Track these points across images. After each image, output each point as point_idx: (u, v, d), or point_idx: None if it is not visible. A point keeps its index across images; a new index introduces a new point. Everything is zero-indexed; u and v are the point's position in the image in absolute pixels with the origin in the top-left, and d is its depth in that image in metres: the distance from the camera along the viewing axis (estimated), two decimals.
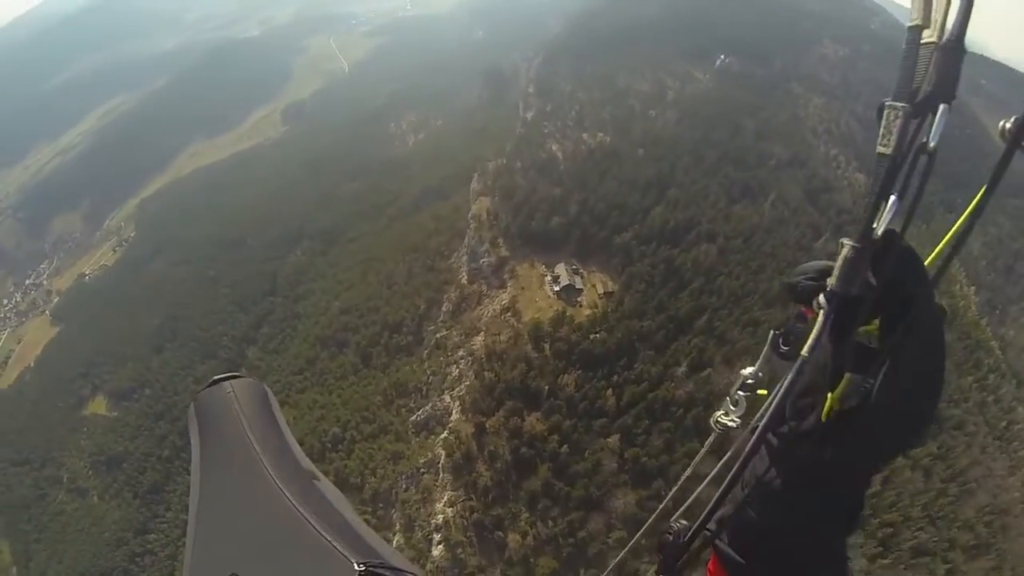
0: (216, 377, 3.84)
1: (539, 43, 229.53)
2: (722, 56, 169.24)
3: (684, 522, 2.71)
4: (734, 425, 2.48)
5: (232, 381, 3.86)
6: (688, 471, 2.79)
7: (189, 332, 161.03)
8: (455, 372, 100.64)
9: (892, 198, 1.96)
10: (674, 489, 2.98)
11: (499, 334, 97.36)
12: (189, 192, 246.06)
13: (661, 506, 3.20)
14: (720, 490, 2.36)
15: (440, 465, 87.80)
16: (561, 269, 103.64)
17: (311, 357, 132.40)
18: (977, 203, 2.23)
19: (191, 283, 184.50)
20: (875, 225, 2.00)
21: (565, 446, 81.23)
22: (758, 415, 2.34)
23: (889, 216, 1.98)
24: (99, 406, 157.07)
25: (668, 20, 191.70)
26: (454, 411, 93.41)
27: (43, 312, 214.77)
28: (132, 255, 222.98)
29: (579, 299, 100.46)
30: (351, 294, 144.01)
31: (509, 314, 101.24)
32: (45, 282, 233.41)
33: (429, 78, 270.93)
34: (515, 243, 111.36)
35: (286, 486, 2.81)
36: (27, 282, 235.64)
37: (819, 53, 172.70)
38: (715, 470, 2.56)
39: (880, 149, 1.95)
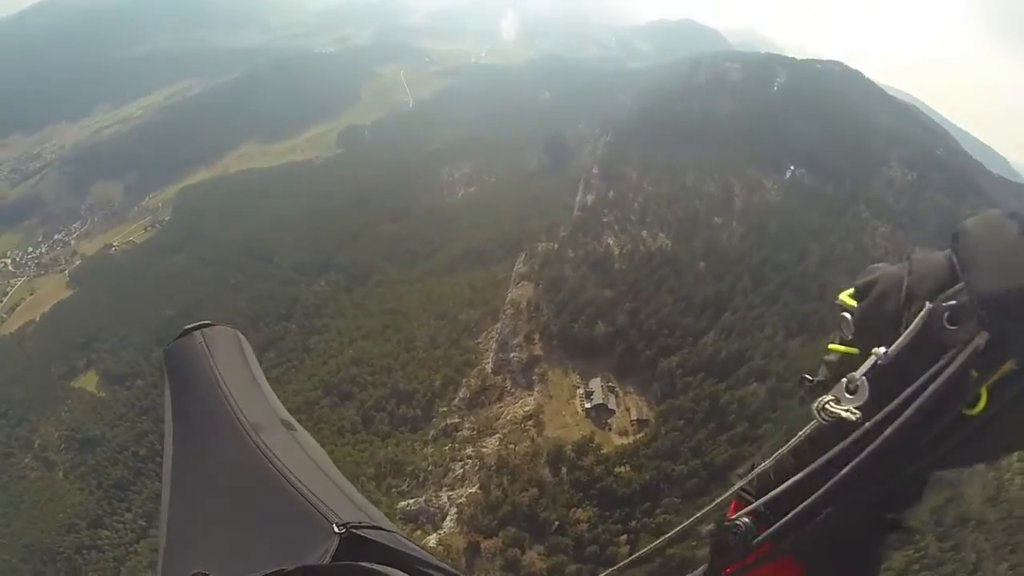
0: (187, 327, 3.31)
1: (606, 118, 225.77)
2: (792, 167, 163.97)
3: (747, 520, 2.20)
4: (853, 418, 1.91)
5: (204, 330, 3.59)
6: (769, 462, 2.25)
7: None
8: (459, 471, 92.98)
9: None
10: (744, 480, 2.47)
11: (516, 445, 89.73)
12: (231, 191, 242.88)
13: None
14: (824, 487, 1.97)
15: None
16: (596, 384, 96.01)
17: (311, 399, 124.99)
18: None
19: (211, 285, 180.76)
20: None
21: None
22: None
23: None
24: (89, 382, 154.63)
25: (741, 119, 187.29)
26: (449, 516, 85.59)
27: (62, 271, 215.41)
28: (161, 239, 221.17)
29: (609, 421, 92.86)
30: (366, 344, 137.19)
31: (531, 423, 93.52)
32: (72, 242, 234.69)
33: (489, 130, 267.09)
34: (551, 343, 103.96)
35: (261, 437, 2.87)
36: (55, 236, 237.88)
37: (887, 176, 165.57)
38: (814, 465, 2.03)
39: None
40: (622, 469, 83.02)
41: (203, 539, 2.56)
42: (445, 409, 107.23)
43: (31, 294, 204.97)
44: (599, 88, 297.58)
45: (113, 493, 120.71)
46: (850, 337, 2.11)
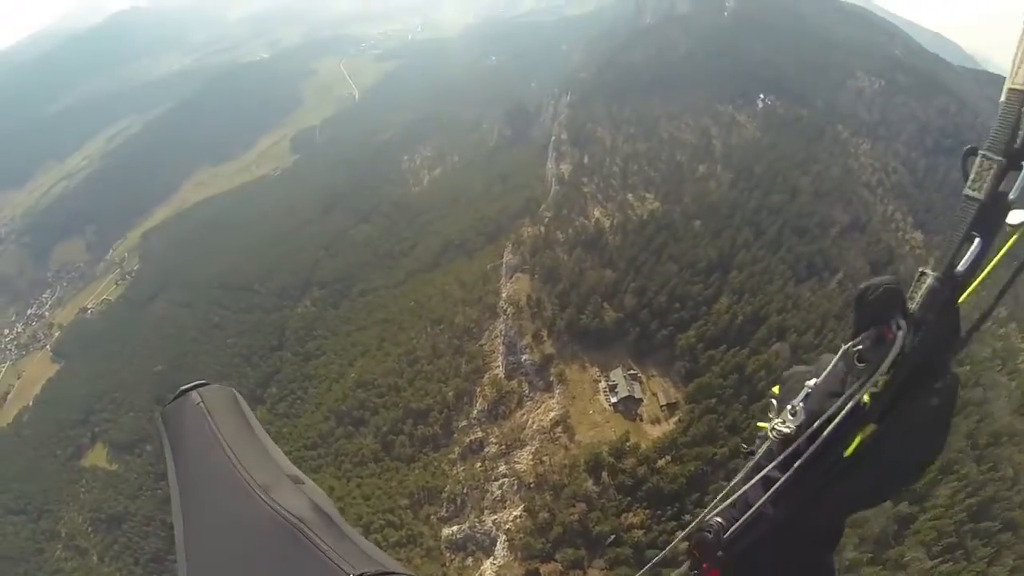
0: (182, 388, 3.41)
1: (559, 75, 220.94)
2: (762, 96, 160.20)
3: (720, 520, 2.87)
4: (789, 431, 2.65)
5: (199, 390, 3.49)
6: (740, 475, 2.83)
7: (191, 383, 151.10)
8: (496, 492, 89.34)
9: (976, 240, 2.16)
10: (719, 496, 2.99)
11: (550, 457, 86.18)
12: (193, 226, 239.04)
13: (704, 512, 3.02)
14: (772, 489, 2.65)
15: None
16: (618, 375, 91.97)
17: (325, 432, 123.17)
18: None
19: (195, 329, 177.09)
20: (957, 264, 2.21)
21: None
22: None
23: (971, 257, 2.18)
24: (99, 456, 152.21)
25: (700, 55, 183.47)
26: (500, 545, 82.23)
27: (44, 347, 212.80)
28: (135, 292, 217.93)
29: (639, 411, 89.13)
30: (367, 363, 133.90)
31: (560, 430, 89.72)
32: (47, 314, 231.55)
33: (442, 107, 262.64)
34: (561, 339, 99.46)
35: (271, 495, 3.03)
36: (28, 312, 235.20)
37: (855, 87, 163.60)
38: (764, 472, 2.73)
39: (970, 192, 2.17)
40: (663, 463, 79.68)
41: None
42: (465, 423, 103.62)
43: (18, 378, 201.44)
44: (544, 43, 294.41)
45: (151, 567, 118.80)
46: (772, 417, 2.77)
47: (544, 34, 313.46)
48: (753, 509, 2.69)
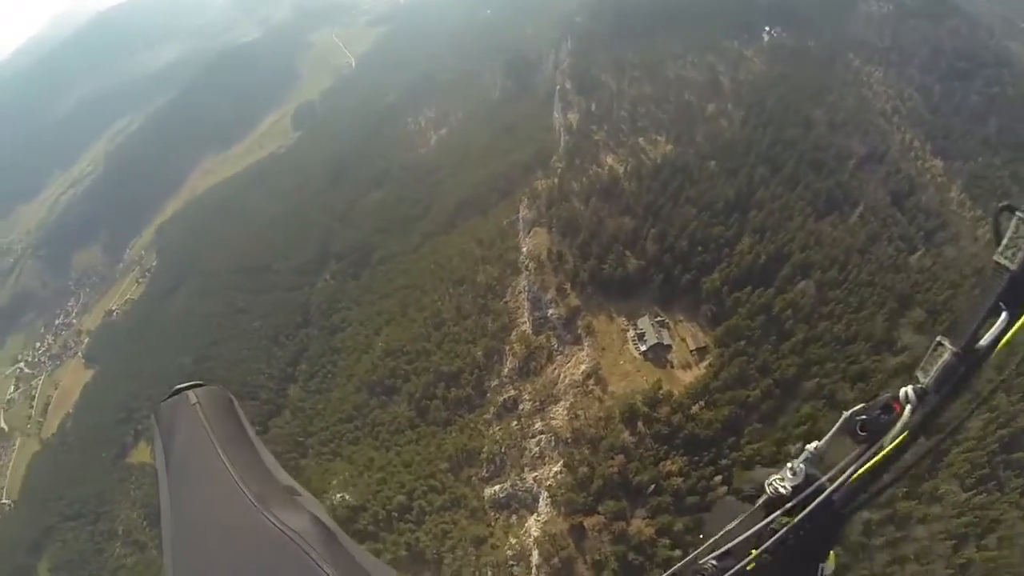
0: (178, 386, 3.63)
1: (557, 21, 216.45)
2: (767, 28, 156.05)
3: (715, 563, 2.95)
4: (785, 492, 2.79)
5: (196, 390, 3.62)
6: (732, 524, 2.95)
7: (223, 371, 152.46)
8: (534, 448, 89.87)
9: (1004, 314, 2.00)
10: (713, 539, 3.10)
11: (584, 411, 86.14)
12: (206, 213, 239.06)
13: (697, 551, 3.15)
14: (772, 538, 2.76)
15: (535, 566, 77.64)
16: (645, 323, 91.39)
17: (359, 403, 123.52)
18: None
19: (219, 316, 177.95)
20: (980, 338, 2.08)
21: (678, 550, 69.75)
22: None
23: (996, 331, 2.02)
24: (143, 453, 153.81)
25: None
26: (543, 501, 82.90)
27: (75, 354, 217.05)
28: (156, 287, 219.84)
29: (669, 357, 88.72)
30: (393, 331, 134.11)
31: (592, 382, 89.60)
32: (74, 322, 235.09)
33: (441, 65, 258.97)
34: (586, 290, 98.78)
35: (265, 504, 3.07)
36: (56, 322, 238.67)
37: (864, 13, 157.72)
38: (759, 525, 2.82)
39: (1001, 260, 1.97)
40: (697, 408, 79.46)
41: None
42: (496, 382, 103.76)
43: (55, 388, 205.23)
44: None
45: None
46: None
47: None
48: (745, 562, 2.80)
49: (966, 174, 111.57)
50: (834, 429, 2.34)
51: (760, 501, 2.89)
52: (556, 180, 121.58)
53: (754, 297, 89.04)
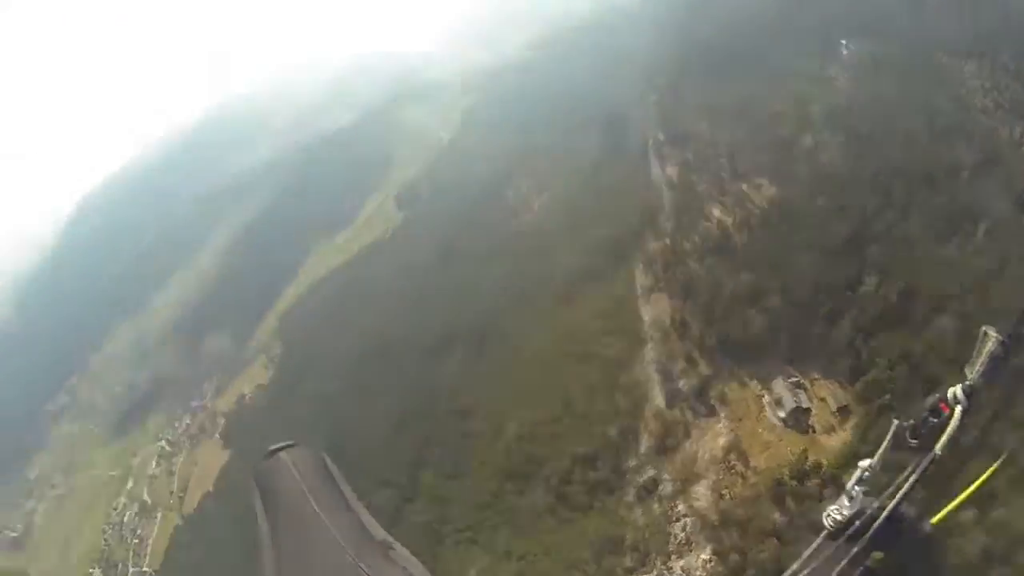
0: (273, 447, 3.51)
1: (639, 73, 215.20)
2: (843, 42, 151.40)
3: None
4: (842, 519, 3.05)
5: (290, 450, 3.52)
6: (796, 565, 3.08)
7: (355, 457, 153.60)
8: (679, 534, 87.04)
9: None
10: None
11: (729, 490, 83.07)
12: (323, 300, 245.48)
13: None
14: None
15: None
16: (780, 387, 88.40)
17: (495, 490, 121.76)
18: None
19: (346, 401, 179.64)
20: None
21: None
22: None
23: None
24: None
25: (767, 15, 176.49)
26: None
27: (213, 436, 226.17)
28: (284, 373, 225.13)
29: (810, 422, 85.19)
30: (523, 414, 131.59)
31: (733, 456, 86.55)
32: (209, 404, 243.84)
33: (533, 131, 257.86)
34: (715, 357, 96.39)
35: (362, 558, 3.15)
36: (193, 404, 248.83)
37: (939, 6, 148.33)
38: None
39: None
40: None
41: None
42: (635, 462, 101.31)
43: (195, 465, 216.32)
44: (614, 43, 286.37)
45: None
46: None
47: (613, 34, 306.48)
48: None
49: None
50: (885, 443, 2.63)
51: (822, 535, 3.02)
52: (668, 241, 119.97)
53: (890, 341, 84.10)
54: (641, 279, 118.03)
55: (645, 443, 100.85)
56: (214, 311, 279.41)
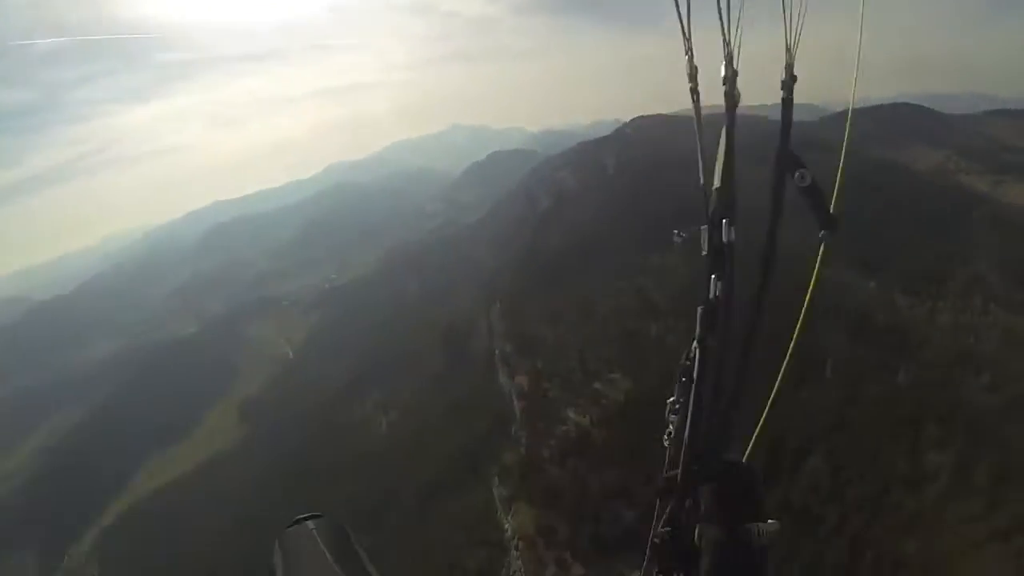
0: (298, 517, 4.00)
1: (480, 282, 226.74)
2: (676, 231, 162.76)
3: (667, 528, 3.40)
4: (667, 440, 3.52)
5: (314, 520, 4.01)
6: None
7: None
8: None
9: (712, 277, 3.24)
10: None
11: None
12: (152, 518, 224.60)
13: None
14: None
15: None
16: None
17: None
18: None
19: None
20: (711, 294, 3.25)
21: None
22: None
23: (714, 287, 3.21)
24: None
25: (603, 219, 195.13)
26: None
27: None
28: None
29: None
30: None
31: None
32: None
33: (377, 344, 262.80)
34: (588, 556, 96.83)
35: None
36: None
37: (752, 183, 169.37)
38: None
39: (703, 252, 3.16)
40: None
41: None
42: None
43: None
44: (458, 257, 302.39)
45: None
46: None
47: (453, 247, 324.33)
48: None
49: None
50: (676, 385, 3.48)
51: None
52: (523, 451, 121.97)
53: (770, 496, 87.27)
54: (499, 491, 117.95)
55: None
56: (18, 523, 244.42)
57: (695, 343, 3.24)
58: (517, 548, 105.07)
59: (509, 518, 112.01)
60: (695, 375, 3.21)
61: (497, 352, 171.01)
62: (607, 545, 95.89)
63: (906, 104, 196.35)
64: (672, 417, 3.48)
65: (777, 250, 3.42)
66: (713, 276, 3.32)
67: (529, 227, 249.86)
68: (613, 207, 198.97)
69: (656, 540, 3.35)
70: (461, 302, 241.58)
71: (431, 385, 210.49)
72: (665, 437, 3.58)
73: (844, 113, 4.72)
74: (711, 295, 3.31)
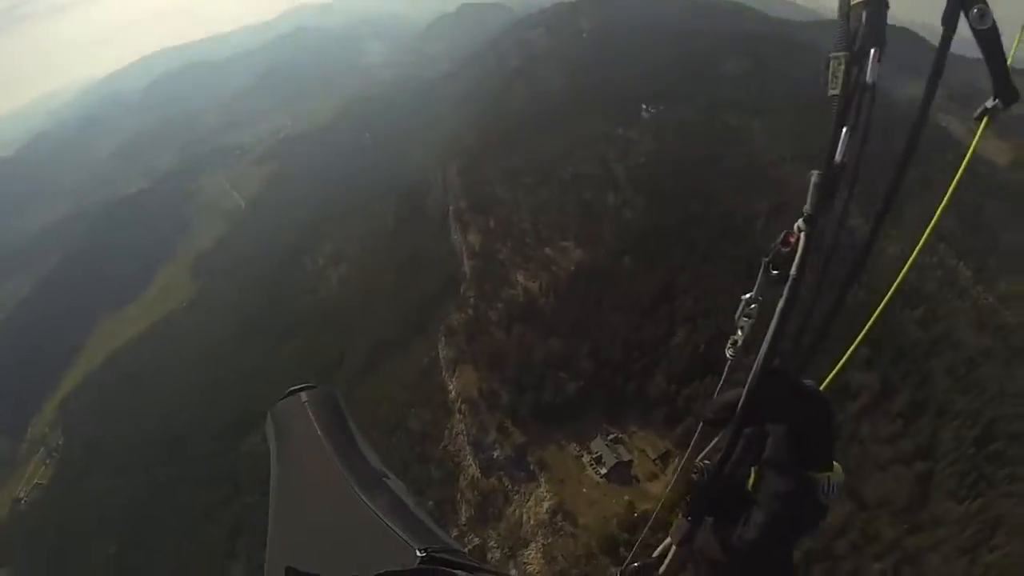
0: (291, 388, 4.41)
1: (440, 138, 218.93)
2: (644, 106, 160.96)
3: (708, 462, 2.76)
4: (734, 350, 2.84)
5: (306, 391, 4.42)
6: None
7: (155, 559, 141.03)
8: None
9: (844, 130, 2.43)
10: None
11: (561, 552, 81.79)
12: (111, 382, 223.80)
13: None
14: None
15: None
16: (599, 445, 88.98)
17: None
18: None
19: (140, 495, 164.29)
20: (836, 155, 2.46)
21: None
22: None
23: (843, 146, 2.45)
24: None
25: (573, 85, 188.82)
26: None
27: None
28: (66, 470, 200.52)
29: (632, 473, 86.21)
30: None
31: (559, 518, 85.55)
32: None
33: (331, 197, 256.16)
34: (528, 424, 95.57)
35: (357, 483, 3.58)
36: None
37: (727, 73, 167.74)
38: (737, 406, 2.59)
39: (830, 92, 2.41)
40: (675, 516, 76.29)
41: (305, 563, 2.80)
42: (456, 533, 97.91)
43: None
44: (418, 110, 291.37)
45: None
46: None
47: (415, 101, 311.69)
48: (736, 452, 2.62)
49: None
50: (759, 277, 2.60)
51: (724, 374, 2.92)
52: (471, 312, 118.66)
53: (704, 387, 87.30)
54: (445, 352, 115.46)
55: (464, 513, 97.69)
56: None
57: (800, 221, 2.56)
58: (460, 411, 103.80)
59: (454, 380, 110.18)
60: (795, 266, 2.51)
61: (451, 208, 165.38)
62: (548, 414, 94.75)
63: (904, 29, 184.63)
64: (744, 321, 2.79)
65: (927, 118, 2.71)
66: (844, 128, 2.48)
67: (496, 86, 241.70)
68: (584, 74, 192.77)
69: (694, 474, 2.72)
70: (419, 157, 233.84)
71: (384, 240, 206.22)
72: (729, 346, 2.87)
73: None
74: (835, 157, 2.50)
